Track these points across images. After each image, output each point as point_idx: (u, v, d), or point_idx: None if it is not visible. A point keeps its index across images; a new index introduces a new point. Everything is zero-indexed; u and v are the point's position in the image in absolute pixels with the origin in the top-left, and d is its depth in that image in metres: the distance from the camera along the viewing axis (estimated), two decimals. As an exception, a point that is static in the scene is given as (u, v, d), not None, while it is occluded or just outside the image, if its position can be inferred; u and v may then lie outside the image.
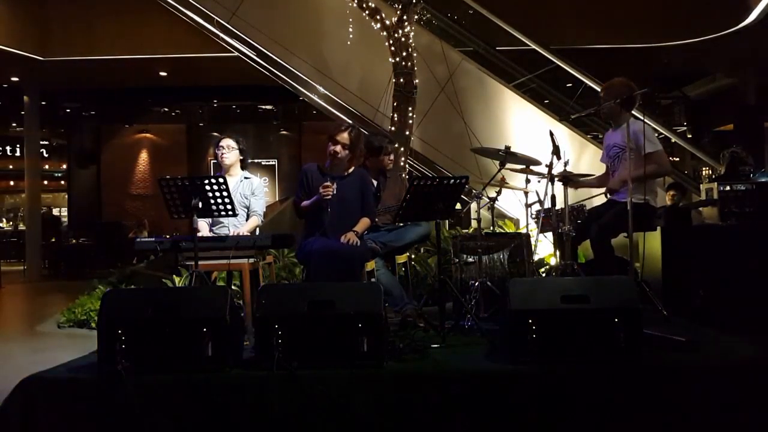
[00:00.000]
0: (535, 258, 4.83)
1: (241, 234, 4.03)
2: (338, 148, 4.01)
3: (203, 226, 4.24)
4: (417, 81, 6.58)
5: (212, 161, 15.96)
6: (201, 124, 16.34)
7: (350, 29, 6.97)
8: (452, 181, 3.63)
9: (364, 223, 4.02)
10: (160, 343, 2.88)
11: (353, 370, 2.82)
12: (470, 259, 4.34)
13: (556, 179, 4.15)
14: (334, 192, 3.88)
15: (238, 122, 16.17)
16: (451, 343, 3.44)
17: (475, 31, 7.90)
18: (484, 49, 7.78)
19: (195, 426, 2.79)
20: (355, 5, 6.66)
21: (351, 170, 4.14)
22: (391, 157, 4.67)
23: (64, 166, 18.11)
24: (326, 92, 7.42)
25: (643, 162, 3.99)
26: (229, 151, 4.34)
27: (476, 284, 4.19)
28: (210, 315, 2.91)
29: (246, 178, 4.39)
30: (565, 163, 4.14)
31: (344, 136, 4.02)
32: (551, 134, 4.23)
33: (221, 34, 7.87)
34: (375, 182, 4.59)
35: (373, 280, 4.17)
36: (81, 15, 10.50)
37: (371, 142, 4.60)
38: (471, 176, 4.05)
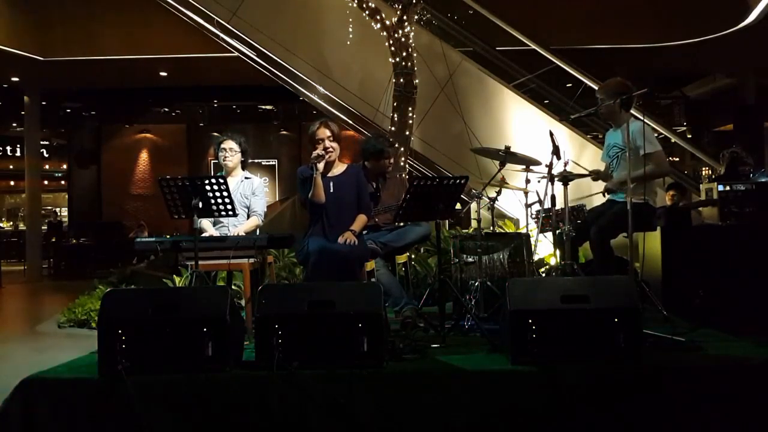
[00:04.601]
0: (535, 258, 4.83)
1: (238, 234, 4.03)
2: (328, 142, 3.94)
3: (208, 226, 4.25)
4: (417, 81, 6.58)
5: (212, 161, 16.05)
6: (201, 124, 16.35)
7: (350, 29, 6.97)
8: (452, 181, 3.63)
9: (361, 220, 3.99)
10: (160, 343, 2.88)
11: (353, 370, 2.82)
12: (470, 259, 4.33)
13: (556, 179, 4.15)
14: (323, 155, 3.86)
15: (238, 122, 16.17)
16: (451, 343, 3.43)
17: (475, 31, 7.89)
18: (484, 49, 7.78)
19: (195, 426, 2.79)
20: (355, 5, 6.66)
21: (344, 168, 4.11)
22: (391, 160, 4.66)
23: (65, 166, 18.13)
24: (326, 92, 7.42)
25: (643, 162, 3.99)
26: (233, 154, 4.34)
27: (476, 284, 4.19)
28: (210, 315, 2.90)
29: (246, 178, 4.39)
30: (565, 163, 4.14)
31: (324, 131, 3.97)
32: (551, 134, 4.23)
33: (221, 35, 7.87)
34: (374, 184, 4.59)
35: (373, 280, 4.17)
36: (81, 15, 10.50)
37: (373, 145, 4.58)
38: (471, 176, 4.05)
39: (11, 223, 22.50)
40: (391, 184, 4.75)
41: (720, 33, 10.00)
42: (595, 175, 4.51)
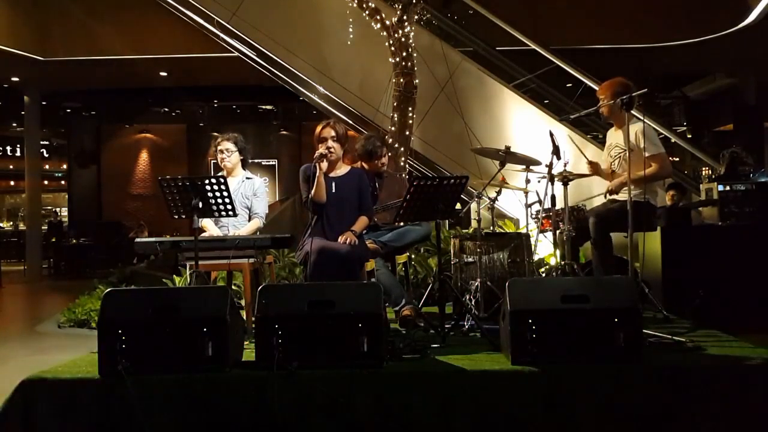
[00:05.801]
0: (535, 258, 4.83)
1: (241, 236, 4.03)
2: (330, 142, 3.91)
3: (211, 226, 4.25)
4: (417, 81, 6.58)
5: (212, 161, 16.05)
6: (201, 124, 16.36)
7: (350, 29, 6.97)
8: (452, 181, 3.63)
9: (362, 222, 3.99)
10: (160, 343, 2.88)
11: (353, 370, 2.82)
12: (470, 259, 4.33)
13: (556, 179, 4.15)
14: (326, 154, 3.85)
15: (238, 122, 16.18)
16: (451, 343, 3.43)
17: (475, 31, 7.90)
18: (484, 49, 7.78)
19: (195, 426, 2.79)
20: (355, 5, 6.66)
21: (348, 170, 4.11)
22: (384, 159, 4.64)
23: (64, 166, 18.15)
24: (326, 92, 7.42)
25: (644, 163, 3.99)
26: (230, 154, 4.35)
27: (476, 284, 4.19)
28: (210, 315, 2.90)
29: (248, 178, 4.39)
30: (565, 164, 4.14)
31: (329, 131, 3.95)
32: (551, 134, 4.23)
33: (221, 34, 7.88)
34: (371, 184, 4.59)
35: (373, 280, 4.16)
36: (81, 15, 10.50)
37: (363, 147, 4.59)
38: (471, 176, 4.04)
39: (11, 223, 22.50)
40: (390, 182, 4.75)
41: (720, 33, 10.01)
42: (594, 172, 4.50)
